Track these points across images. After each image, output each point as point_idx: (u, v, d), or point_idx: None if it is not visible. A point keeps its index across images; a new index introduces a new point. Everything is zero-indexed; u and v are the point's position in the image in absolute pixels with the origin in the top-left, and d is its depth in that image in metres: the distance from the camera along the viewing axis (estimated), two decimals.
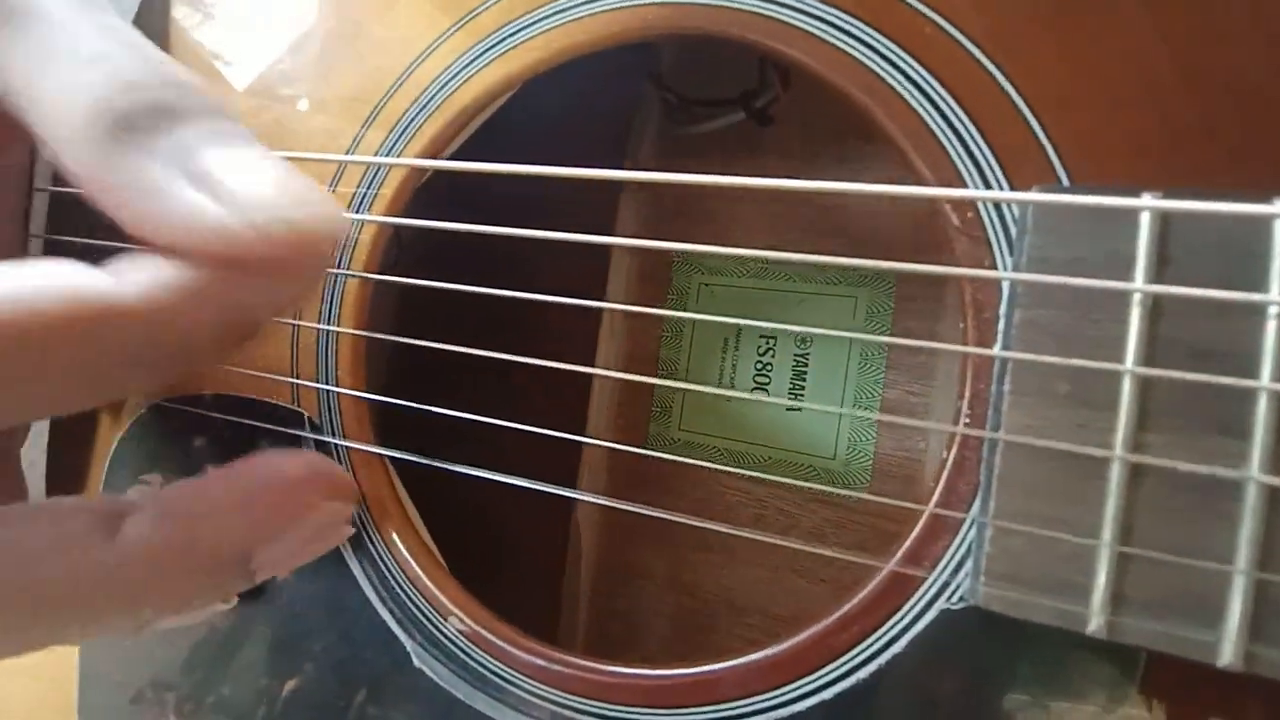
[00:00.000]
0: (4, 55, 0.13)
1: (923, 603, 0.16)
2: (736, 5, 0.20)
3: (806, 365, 0.33)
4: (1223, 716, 0.13)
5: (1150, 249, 0.13)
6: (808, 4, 0.19)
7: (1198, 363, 0.13)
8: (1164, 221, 0.13)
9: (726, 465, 0.33)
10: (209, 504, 0.14)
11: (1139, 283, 0.13)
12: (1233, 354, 0.13)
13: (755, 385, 0.33)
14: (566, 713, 0.20)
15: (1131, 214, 0.14)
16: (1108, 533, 0.13)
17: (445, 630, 0.22)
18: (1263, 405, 0.12)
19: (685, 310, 0.35)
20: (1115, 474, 0.13)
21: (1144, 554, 0.13)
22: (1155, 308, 0.13)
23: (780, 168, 0.32)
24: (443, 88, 0.23)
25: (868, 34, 0.18)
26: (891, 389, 0.31)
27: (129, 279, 0.12)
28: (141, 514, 0.14)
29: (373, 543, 0.24)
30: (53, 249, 0.27)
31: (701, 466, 0.33)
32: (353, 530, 0.16)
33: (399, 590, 0.23)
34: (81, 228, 0.26)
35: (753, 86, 0.30)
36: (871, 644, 0.17)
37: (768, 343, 0.33)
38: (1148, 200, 0.13)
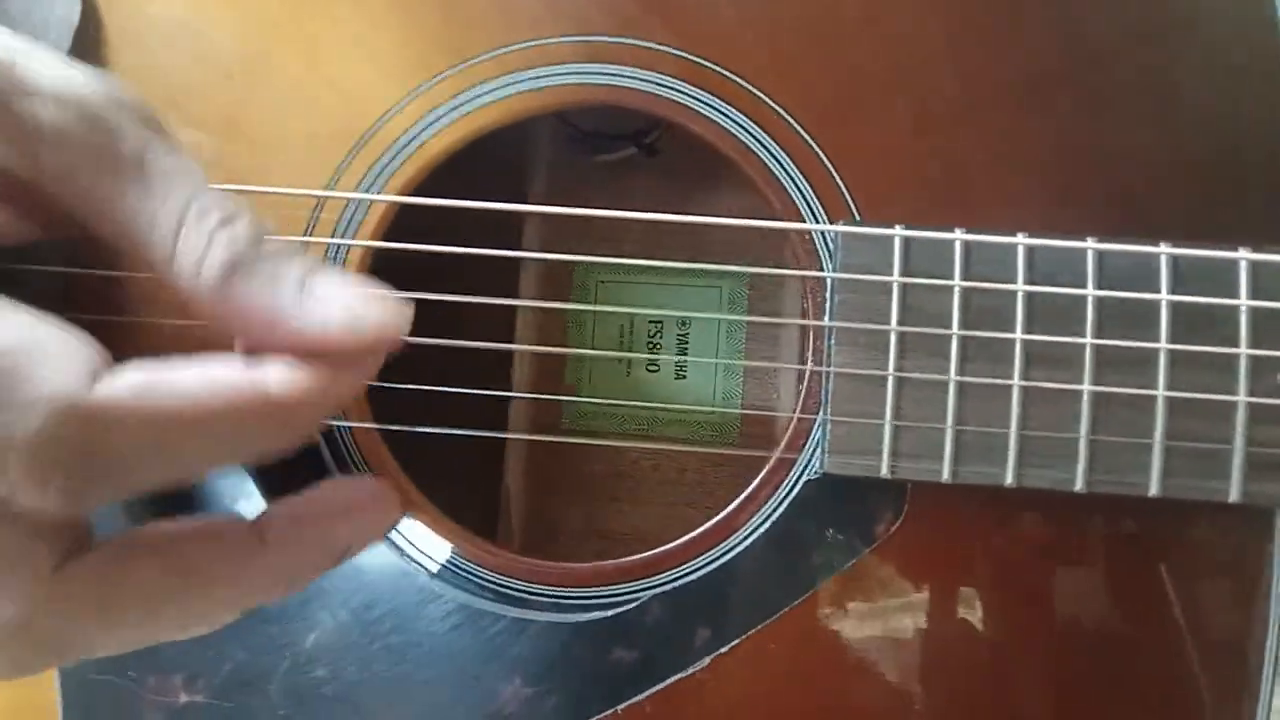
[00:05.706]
0: (132, 201, 0.17)
1: (793, 479, 0.26)
2: (634, 86, 0.28)
3: (688, 341, 0.42)
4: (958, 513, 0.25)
5: (900, 259, 0.24)
6: (687, 89, 0.28)
7: (921, 320, 0.24)
8: (907, 243, 0.24)
9: (628, 427, 0.42)
10: (329, 508, 0.19)
11: (895, 276, 0.24)
12: (931, 312, 0.24)
13: (649, 360, 0.42)
14: (562, 600, 0.28)
15: (889, 239, 0.24)
16: (888, 416, 0.24)
17: (443, 557, 0.28)
18: (958, 349, 0.23)
19: (586, 302, 0.43)
20: (890, 385, 0.24)
21: (905, 425, 0.24)
22: (904, 292, 0.24)
23: (666, 188, 0.41)
24: (415, 137, 0.29)
25: (730, 111, 0.27)
26: (752, 355, 0.41)
27: (274, 378, 0.17)
28: (279, 522, 0.19)
29: None
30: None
31: (606, 431, 0.41)
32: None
33: (399, 533, 0.29)
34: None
35: (643, 126, 0.38)
36: (764, 513, 0.26)
37: (656, 326, 0.42)
38: (897, 231, 0.24)
